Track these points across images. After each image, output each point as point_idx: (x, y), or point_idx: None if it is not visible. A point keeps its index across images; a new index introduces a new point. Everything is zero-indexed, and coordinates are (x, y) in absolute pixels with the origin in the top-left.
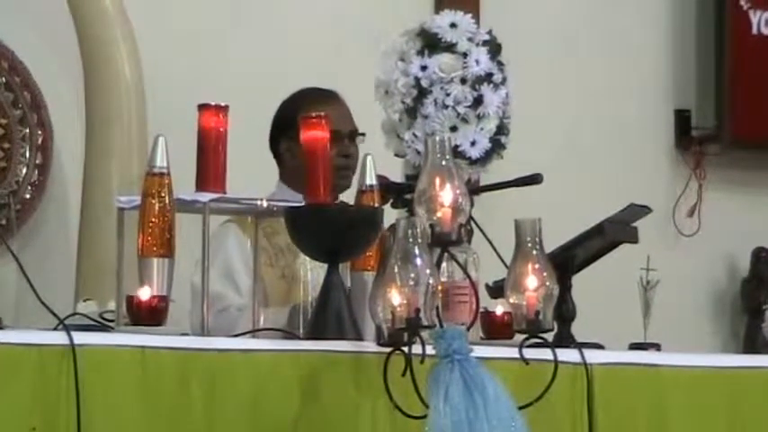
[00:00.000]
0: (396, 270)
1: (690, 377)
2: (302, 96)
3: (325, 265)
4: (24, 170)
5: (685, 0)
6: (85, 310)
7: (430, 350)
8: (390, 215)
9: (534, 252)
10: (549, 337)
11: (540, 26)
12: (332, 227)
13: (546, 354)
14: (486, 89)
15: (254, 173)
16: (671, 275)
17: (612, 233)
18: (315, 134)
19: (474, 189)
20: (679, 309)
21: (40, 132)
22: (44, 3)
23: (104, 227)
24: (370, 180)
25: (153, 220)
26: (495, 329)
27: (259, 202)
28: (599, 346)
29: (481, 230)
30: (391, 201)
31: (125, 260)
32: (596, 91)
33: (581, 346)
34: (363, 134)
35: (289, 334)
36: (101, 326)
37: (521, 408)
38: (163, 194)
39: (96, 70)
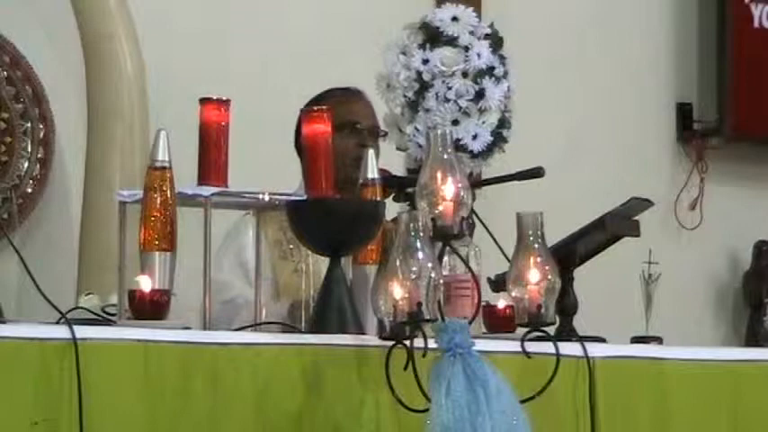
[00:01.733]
0: (398, 264)
1: (692, 370)
2: (325, 95)
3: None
4: (26, 164)
5: None
6: (87, 303)
7: (432, 344)
8: (392, 209)
9: (536, 245)
10: (551, 330)
11: (542, 20)
12: (334, 220)
13: (548, 347)
14: (487, 83)
15: (256, 168)
16: (673, 269)
17: (614, 226)
18: (316, 128)
19: (476, 182)
20: (681, 302)
21: (41, 126)
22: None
23: (106, 221)
24: (372, 174)
25: (155, 214)
26: (497, 323)
27: (261, 196)
28: (601, 340)
29: (483, 224)
30: (393, 194)
31: (127, 254)
32: (598, 84)
33: (583, 339)
34: (386, 132)
35: (291, 328)
36: (103, 320)
37: (523, 401)
38: (165, 188)
39: (98, 65)
